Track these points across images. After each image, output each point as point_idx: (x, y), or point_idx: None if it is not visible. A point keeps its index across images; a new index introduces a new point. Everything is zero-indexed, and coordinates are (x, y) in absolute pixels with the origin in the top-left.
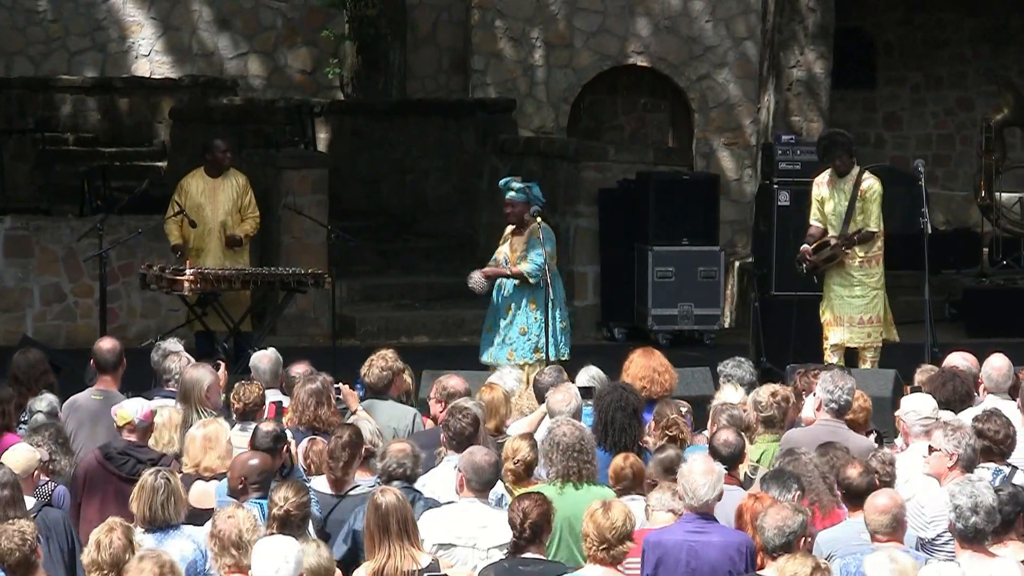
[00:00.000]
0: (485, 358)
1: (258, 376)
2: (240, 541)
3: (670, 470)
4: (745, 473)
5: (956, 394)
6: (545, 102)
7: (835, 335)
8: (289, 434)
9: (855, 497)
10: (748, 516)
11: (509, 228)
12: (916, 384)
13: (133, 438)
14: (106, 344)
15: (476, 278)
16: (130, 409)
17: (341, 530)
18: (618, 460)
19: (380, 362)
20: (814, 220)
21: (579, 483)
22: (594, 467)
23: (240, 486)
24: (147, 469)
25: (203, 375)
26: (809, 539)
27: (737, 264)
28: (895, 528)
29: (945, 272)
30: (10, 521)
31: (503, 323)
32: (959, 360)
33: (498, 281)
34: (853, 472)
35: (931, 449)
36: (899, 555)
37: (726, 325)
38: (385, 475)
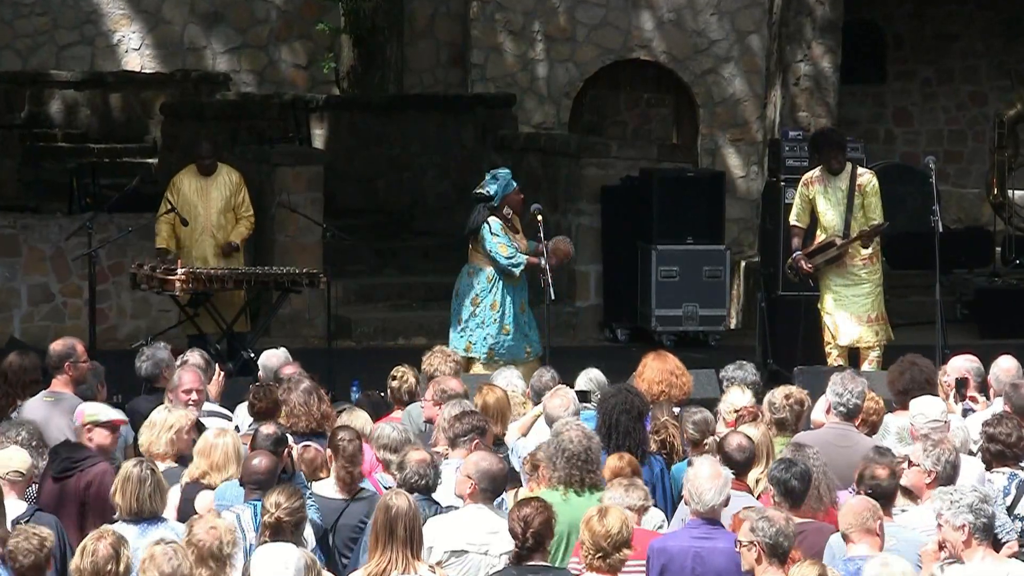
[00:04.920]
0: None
1: (267, 375)
2: (219, 553)
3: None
4: None
5: (914, 383)
6: (546, 97)
7: (843, 337)
8: (290, 439)
9: (881, 499)
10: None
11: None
12: None
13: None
14: (57, 346)
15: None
16: (98, 409)
17: (362, 538)
18: (612, 460)
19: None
20: (795, 220)
21: (581, 490)
22: (599, 476)
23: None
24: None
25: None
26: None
27: (743, 263)
28: (866, 529)
29: (957, 272)
30: (31, 524)
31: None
32: (962, 363)
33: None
34: (882, 473)
35: (910, 462)
36: (892, 559)
37: (732, 326)
38: (406, 485)
